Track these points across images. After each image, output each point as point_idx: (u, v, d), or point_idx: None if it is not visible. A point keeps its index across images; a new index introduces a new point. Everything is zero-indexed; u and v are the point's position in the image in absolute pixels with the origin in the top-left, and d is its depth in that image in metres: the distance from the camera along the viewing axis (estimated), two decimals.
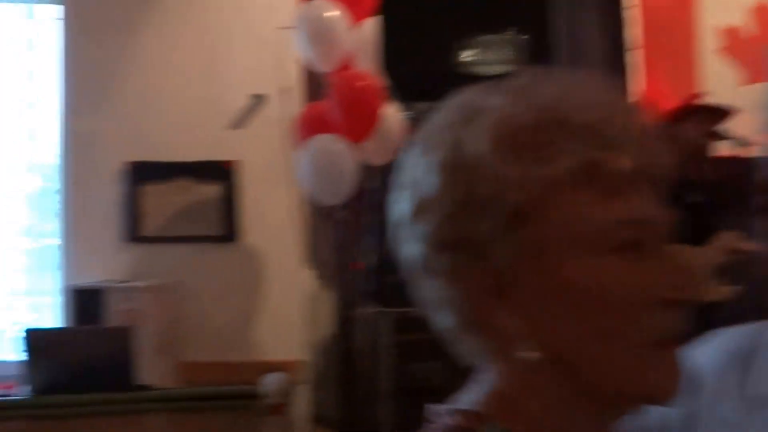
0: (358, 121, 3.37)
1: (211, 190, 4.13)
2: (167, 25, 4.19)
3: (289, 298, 4.06)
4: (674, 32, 4.33)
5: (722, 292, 3.11)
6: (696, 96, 3.36)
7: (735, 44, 4.31)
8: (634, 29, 4.31)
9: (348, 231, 3.73)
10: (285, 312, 4.06)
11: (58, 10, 4.31)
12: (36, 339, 2.38)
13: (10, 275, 4.24)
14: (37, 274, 4.26)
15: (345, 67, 3.39)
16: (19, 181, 4.33)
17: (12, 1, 4.43)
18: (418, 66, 2.55)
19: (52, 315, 4.06)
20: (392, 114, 3.48)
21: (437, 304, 0.67)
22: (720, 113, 3.26)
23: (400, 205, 0.67)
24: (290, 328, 4.05)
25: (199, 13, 4.20)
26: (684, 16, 4.32)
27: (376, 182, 3.63)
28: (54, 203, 4.23)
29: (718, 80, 4.20)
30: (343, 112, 3.36)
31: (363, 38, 3.36)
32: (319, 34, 3.35)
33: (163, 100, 4.15)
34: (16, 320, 4.15)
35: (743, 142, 3.21)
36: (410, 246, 0.67)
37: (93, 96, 4.17)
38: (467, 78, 2.40)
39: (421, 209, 0.64)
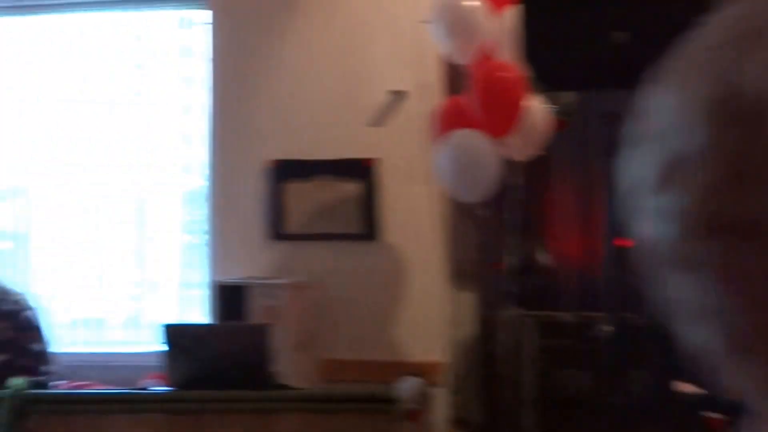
0: (499, 115, 3.21)
1: (351, 188, 4.11)
2: (309, 25, 4.21)
3: (429, 297, 3.97)
4: None
5: None
6: None
7: None
8: None
9: (490, 230, 3.58)
10: (424, 312, 3.97)
11: (208, 16, 4.46)
12: (174, 334, 2.42)
13: (169, 270, 4.44)
14: (192, 269, 4.44)
15: (485, 58, 3.24)
16: (179, 181, 4.51)
17: (165, 8, 4.61)
18: (563, 53, 2.36)
19: (200, 309, 4.22)
20: (536, 106, 3.29)
21: (693, 312, 0.46)
22: None
23: (639, 165, 0.48)
24: (430, 329, 3.96)
25: (341, 12, 4.19)
26: None
27: (518, 179, 3.45)
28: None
29: None
30: (484, 106, 3.20)
31: (504, 27, 3.19)
32: (458, 24, 3.22)
33: (305, 98, 4.18)
34: (171, 313, 4.37)
35: None
36: (653, 224, 0.47)
37: (239, 96, 4.27)
38: (618, 64, 2.20)
39: (674, 172, 0.44)
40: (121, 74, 4.62)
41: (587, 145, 3.94)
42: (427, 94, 3.98)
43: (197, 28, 4.62)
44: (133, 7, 4.60)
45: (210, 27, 4.41)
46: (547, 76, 2.29)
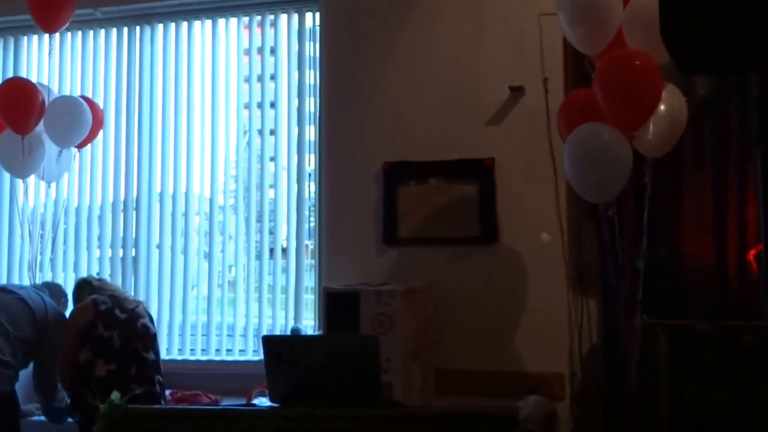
0: (630, 108, 2.95)
1: (468, 190, 3.97)
2: (423, 21, 4.11)
3: (551, 304, 3.77)
4: None
5: None
6: None
7: None
8: None
9: (617, 232, 3.32)
10: (545, 320, 3.78)
11: (317, 19, 4.44)
12: (274, 346, 2.32)
13: (284, 276, 4.42)
14: (307, 275, 4.42)
15: (615, 46, 3.00)
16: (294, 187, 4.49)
17: (275, 11, 4.61)
18: (703, 36, 2.10)
19: (313, 317, 4.18)
20: (671, 97, 3.02)
21: None
22: None
23: None
24: (551, 338, 3.76)
25: (456, 6, 4.05)
26: None
27: (650, 177, 3.18)
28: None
29: None
30: (613, 98, 2.95)
31: (636, 12, 2.93)
32: (585, 10, 2.99)
33: (417, 97, 4.09)
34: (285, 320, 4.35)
35: None
36: None
37: (352, 98, 4.21)
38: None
39: None
40: (237, 83, 4.65)
41: (726, 138, 3.60)
42: (549, 89, 3.78)
43: (309, 33, 4.59)
44: (243, 12, 4.63)
45: (319, 30, 4.37)
46: (688, 58, 2.03)
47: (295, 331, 4.08)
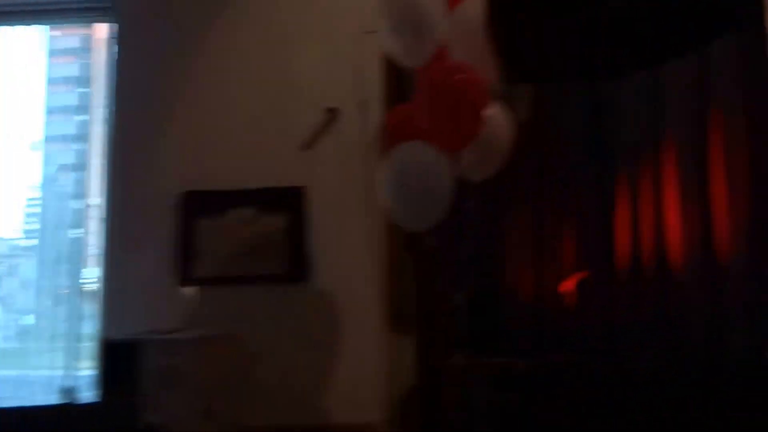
0: (454, 125, 2.69)
1: (276, 222, 3.57)
2: (230, 38, 3.72)
3: (366, 347, 3.46)
4: None
5: None
6: None
7: None
8: None
9: (439, 263, 3.05)
10: (361, 364, 3.46)
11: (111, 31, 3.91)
12: None
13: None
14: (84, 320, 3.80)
15: (438, 58, 2.74)
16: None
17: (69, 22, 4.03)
18: (536, 44, 1.88)
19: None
20: (497, 117, 2.81)
21: None
22: None
23: None
24: (367, 383, 3.43)
25: (268, 24, 3.70)
26: None
27: (474, 202, 2.95)
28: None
29: None
30: (436, 114, 2.69)
31: (461, 22, 2.70)
32: (409, 19, 2.71)
33: (224, 120, 3.67)
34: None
35: None
36: None
37: (146, 120, 3.69)
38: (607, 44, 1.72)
39: None
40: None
41: (547, 164, 3.53)
42: (367, 111, 3.49)
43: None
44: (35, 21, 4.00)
45: (113, 44, 3.84)
46: (517, 69, 1.83)
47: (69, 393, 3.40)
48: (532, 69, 1.87)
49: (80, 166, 4.03)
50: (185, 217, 3.57)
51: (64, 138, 4.14)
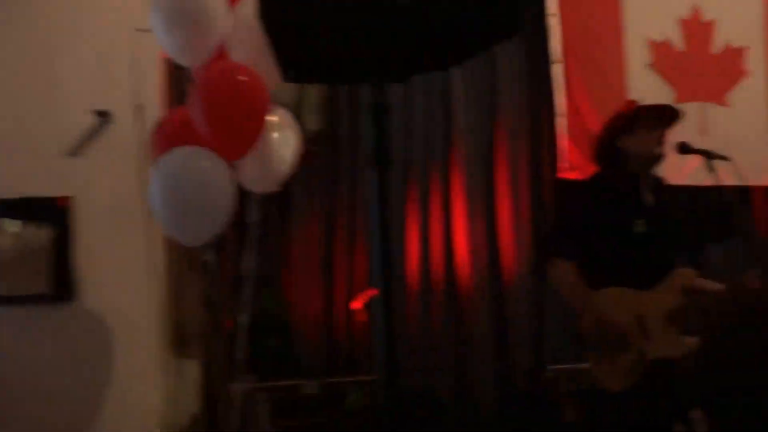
0: (234, 131, 2.52)
1: (38, 236, 3.18)
2: None
3: (142, 372, 3.15)
4: (598, 46, 3.81)
5: (682, 344, 2.54)
6: (633, 102, 2.83)
7: (665, 59, 3.84)
8: (555, 42, 3.76)
9: (218, 281, 2.85)
10: (136, 391, 3.13)
11: None
12: None
13: None
14: None
15: (217, 58, 2.55)
16: None
17: None
18: (312, 41, 1.75)
19: None
20: (283, 125, 2.67)
21: None
22: (671, 114, 2.73)
23: None
24: (143, 412, 3.11)
25: (32, 20, 3.30)
26: (609, 28, 3.83)
27: (257, 215, 2.79)
28: None
29: (648, 96, 3.72)
30: (214, 118, 2.49)
31: (246, 20, 2.53)
32: (183, 14, 2.50)
33: None
34: None
35: (713, 155, 2.65)
36: None
37: None
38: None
39: None
40: None
41: (336, 176, 3.44)
42: (143, 115, 3.21)
43: None
44: None
45: None
46: (295, 63, 1.71)
47: None
48: (321, 71, 1.76)
49: None
50: None
51: None
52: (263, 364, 3.07)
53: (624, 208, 2.66)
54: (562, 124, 3.72)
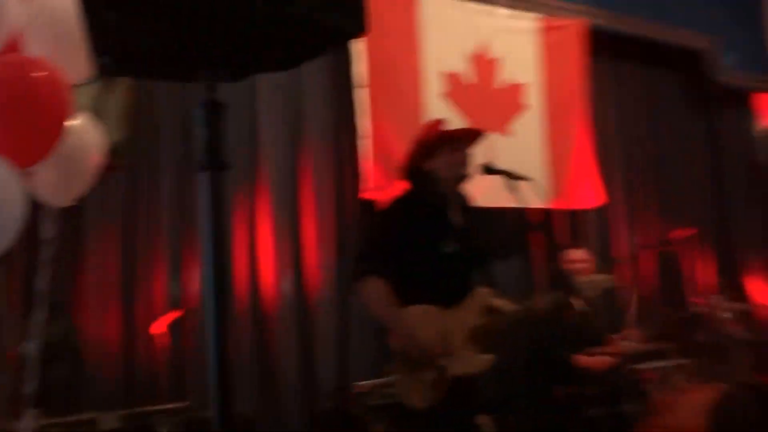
0: (26, 134, 2.25)
1: None
2: None
3: None
4: (400, 74, 3.99)
5: (480, 361, 2.67)
6: (438, 123, 2.94)
7: (457, 90, 4.12)
8: (361, 67, 3.86)
9: (5, 303, 2.53)
10: None
11: None
12: None
13: None
14: None
15: (10, 50, 2.27)
16: None
17: None
18: (133, 35, 1.63)
19: None
20: (83, 131, 2.44)
21: None
22: (473, 136, 2.88)
23: None
24: None
25: None
26: (409, 58, 4.02)
27: (52, 231, 2.51)
28: None
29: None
30: (3, 119, 2.21)
31: (46, 7, 2.28)
32: None
33: None
34: None
35: (515, 176, 2.82)
36: None
37: None
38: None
39: None
40: None
41: (137, 187, 3.20)
42: None
43: None
44: None
45: None
46: (113, 57, 1.54)
47: None
48: (143, 62, 1.59)
49: None
50: None
51: None
52: (55, 397, 2.75)
53: (433, 227, 2.74)
54: (365, 146, 3.82)
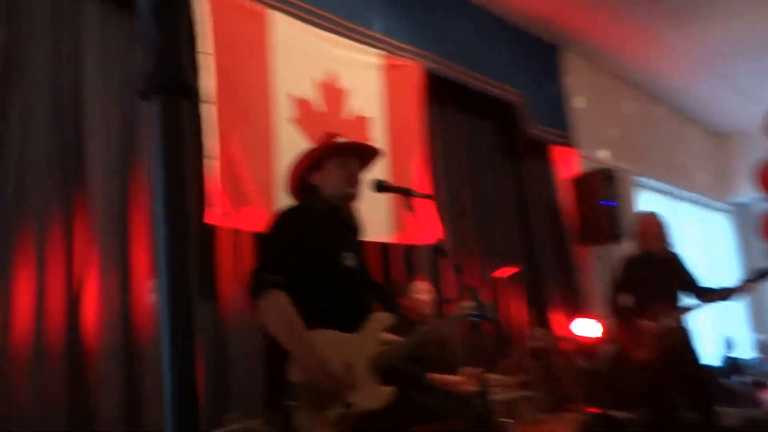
0: None
1: None
2: None
3: None
4: (249, 93, 3.73)
5: (382, 394, 2.45)
6: (331, 135, 2.76)
7: (306, 117, 3.94)
8: (208, 82, 3.54)
9: None
10: None
11: None
12: None
13: None
14: None
15: None
16: None
17: None
18: None
19: None
20: None
21: None
22: (363, 151, 2.74)
23: None
24: None
25: None
26: (258, 78, 3.78)
27: None
28: None
29: (291, 149, 3.77)
30: None
31: None
32: None
33: None
34: None
35: (410, 193, 2.70)
36: None
37: None
38: None
39: None
40: None
41: None
42: None
43: None
44: None
45: None
46: None
47: None
48: None
49: None
50: None
51: None
52: None
53: (331, 241, 2.53)
54: (213, 167, 3.49)
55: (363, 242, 2.73)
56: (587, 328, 5.58)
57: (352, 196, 2.62)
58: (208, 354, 3.40)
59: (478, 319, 2.67)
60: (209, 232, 3.51)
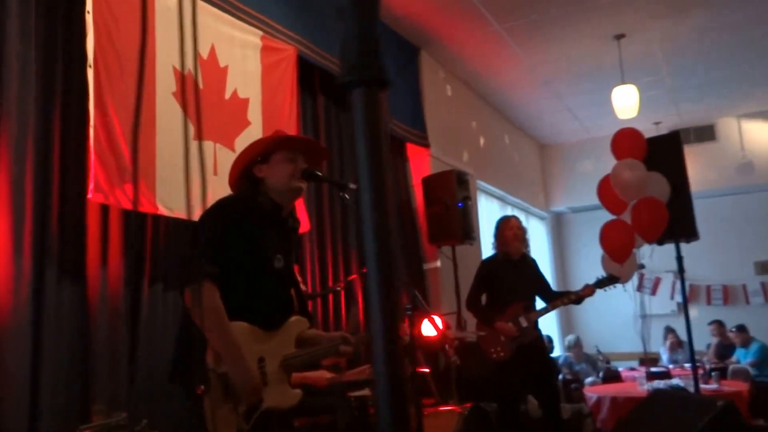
0: None
1: None
2: None
3: None
4: (128, 61, 3.40)
5: (291, 396, 2.44)
6: (278, 131, 2.76)
7: (188, 92, 3.67)
8: (90, 43, 3.20)
9: None
10: None
11: None
12: None
13: None
14: None
15: None
16: None
17: None
18: None
19: None
20: None
21: None
22: (315, 150, 2.72)
23: None
24: None
25: None
26: (139, 45, 3.46)
27: None
28: None
29: (171, 126, 3.52)
30: None
31: None
32: None
33: None
34: None
35: (338, 184, 2.69)
36: None
37: None
38: None
39: None
40: None
41: None
42: None
43: None
44: None
45: None
46: None
47: None
48: None
49: None
50: None
51: None
52: None
53: (266, 241, 2.48)
54: (92, 138, 3.13)
55: (299, 241, 2.71)
56: (434, 326, 5.74)
57: (298, 191, 2.60)
58: (72, 340, 3.08)
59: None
60: (79, 209, 3.16)
